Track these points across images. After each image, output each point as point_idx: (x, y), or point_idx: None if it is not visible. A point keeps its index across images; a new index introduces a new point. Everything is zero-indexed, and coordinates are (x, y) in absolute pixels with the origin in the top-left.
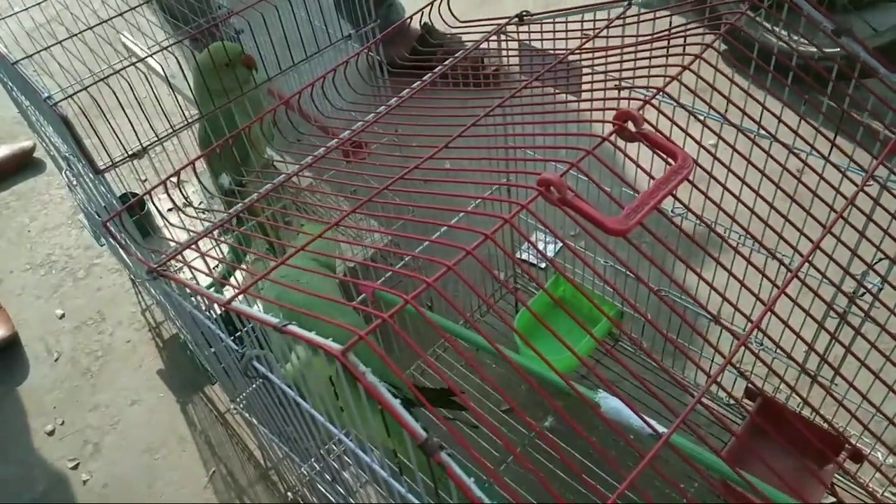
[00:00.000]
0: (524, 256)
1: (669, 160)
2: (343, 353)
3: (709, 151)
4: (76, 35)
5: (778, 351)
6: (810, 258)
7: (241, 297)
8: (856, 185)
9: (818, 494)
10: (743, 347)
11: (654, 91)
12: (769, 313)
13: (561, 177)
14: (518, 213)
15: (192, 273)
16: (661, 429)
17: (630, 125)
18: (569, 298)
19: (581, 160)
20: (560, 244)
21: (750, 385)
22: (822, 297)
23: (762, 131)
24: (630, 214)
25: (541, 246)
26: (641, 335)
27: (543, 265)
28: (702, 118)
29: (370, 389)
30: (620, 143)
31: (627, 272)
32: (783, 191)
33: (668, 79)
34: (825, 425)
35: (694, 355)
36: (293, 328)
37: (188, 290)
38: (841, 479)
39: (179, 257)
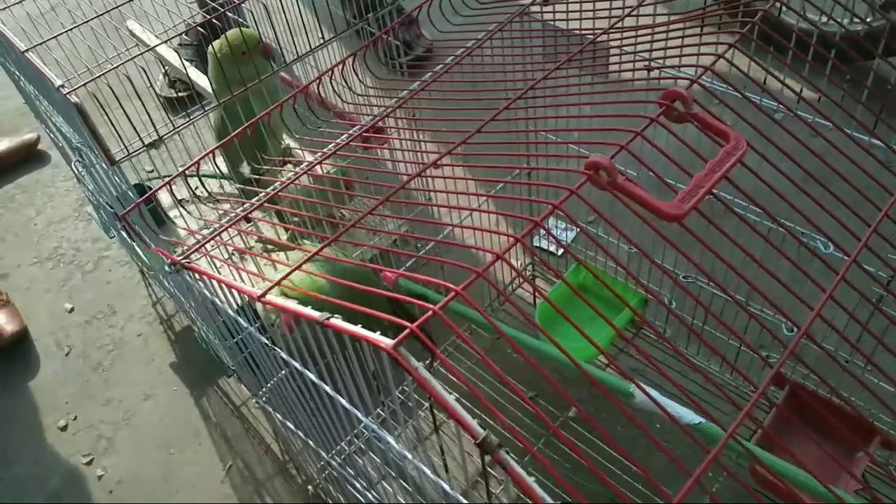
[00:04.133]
0: (542, 244)
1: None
2: (394, 347)
3: (760, 132)
4: (84, 23)
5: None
6: (868, 242)
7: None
8: None
9: (850, 483)
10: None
11: (702, 70)
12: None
13: (611, 158)
14: (567, 199)
15: (211, 264)
16: (698, 419)
17: (679, 105)
18: (589, 287)
19: (630, 142)
20: (576, 231)
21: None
22: (878, 279)
23: (801, 111)
24: (685, 199)
25: (556, 232)
26: (666, 323)
27: (560, 252)
28: (744, 99)
29: (424, 384)
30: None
31: (646, 258)
32: (832, 167)
33: (714, 57)
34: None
35: (751, 348)
36: (336, 322)
37: (215, 283)
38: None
39: (203, 249)
